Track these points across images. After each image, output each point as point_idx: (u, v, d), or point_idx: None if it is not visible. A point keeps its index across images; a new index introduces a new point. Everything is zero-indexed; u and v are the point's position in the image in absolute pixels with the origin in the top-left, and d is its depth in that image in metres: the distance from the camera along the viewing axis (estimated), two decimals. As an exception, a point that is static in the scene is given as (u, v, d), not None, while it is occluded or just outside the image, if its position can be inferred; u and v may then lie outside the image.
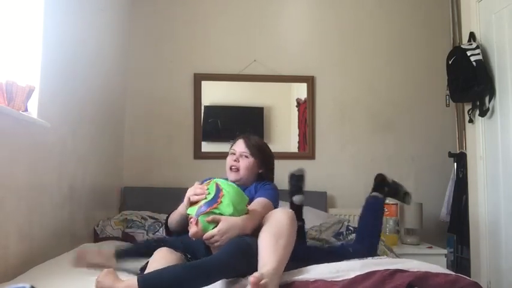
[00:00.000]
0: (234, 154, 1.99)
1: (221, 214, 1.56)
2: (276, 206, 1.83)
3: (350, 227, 2.33)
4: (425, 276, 1.29)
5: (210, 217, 1.55)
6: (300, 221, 2.12)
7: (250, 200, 1.85)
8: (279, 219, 1.58)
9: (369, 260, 1.60)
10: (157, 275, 1.33)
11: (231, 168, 1.98)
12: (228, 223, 1.54)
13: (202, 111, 3.35)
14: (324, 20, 3.53)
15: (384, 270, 1.34)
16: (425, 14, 3.57)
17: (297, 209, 2.11)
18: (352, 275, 1.37)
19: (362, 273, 1.36)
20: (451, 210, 3.12)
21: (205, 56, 3.38)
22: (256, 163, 1.99)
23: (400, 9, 3.56)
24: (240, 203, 1.63)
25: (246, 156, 1.97)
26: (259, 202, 1.78)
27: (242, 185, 1.91)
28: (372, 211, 2.17)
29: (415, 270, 1.35)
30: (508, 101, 2.39)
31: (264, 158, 2.03)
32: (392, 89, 3.50)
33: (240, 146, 2.00)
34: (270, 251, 1.45)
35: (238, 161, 1.97)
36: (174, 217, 1.87)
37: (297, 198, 2.14)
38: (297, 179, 2.17)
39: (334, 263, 1.51)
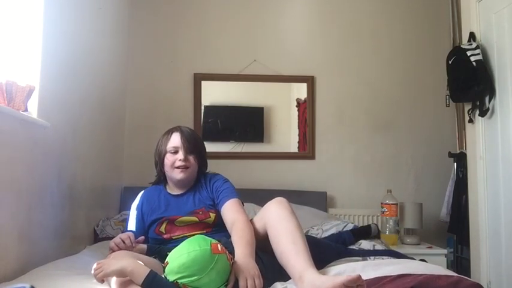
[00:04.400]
0: (177, 152, 1.87)
1: None
2: (237, 194, 1.82)
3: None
4: (426, 281, 1.27)
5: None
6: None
7: (213, 202, 1.83)
8: (279, 220, 1.55)
9: (370, 261, 1.58)
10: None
11: (178, 168, 1.85)
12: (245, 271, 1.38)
13: (202, 111, 3.34)
14: (324, 20, 3.53)
15: (387, 277, 1.31)
16: (425, 14, 3.57)
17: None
18: None
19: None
20: (451, 210, 3.12)
21: (205, 56, 3.38)
22: (198, 157, 1.92)
23: (400, 9, 3.56)
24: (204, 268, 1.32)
25: (191, 152, 1.88)
26: (239, 223, 1.65)
27: (187, 185, 1.89)
28: None
29: (418, 273, 1.32)
30: (508, 101, 2.39)
31: (202, 151, 1.97)
32: (392, 89, 3.50)
33: (178, 141, 1.87)
34: (297, 255, 1.43)
35: (188, 160, 1.86)
36: None
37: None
38: (365, 232, 2.32)
39: (336, 266, 1.49)
